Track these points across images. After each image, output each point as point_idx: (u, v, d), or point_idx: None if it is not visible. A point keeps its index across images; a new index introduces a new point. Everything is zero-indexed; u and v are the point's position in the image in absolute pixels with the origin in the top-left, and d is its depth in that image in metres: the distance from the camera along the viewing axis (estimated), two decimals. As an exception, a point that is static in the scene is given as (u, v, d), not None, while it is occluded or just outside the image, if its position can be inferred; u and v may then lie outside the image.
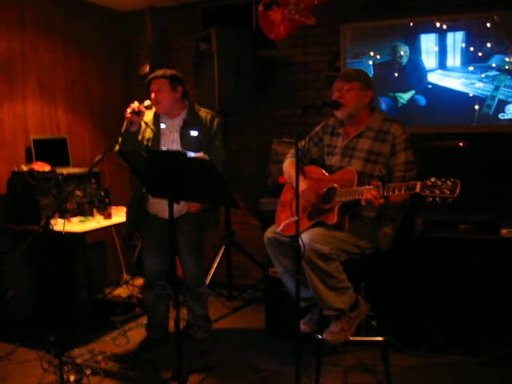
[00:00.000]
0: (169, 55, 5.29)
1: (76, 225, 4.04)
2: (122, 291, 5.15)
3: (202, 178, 2.80)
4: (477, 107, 4.14)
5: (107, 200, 4.40)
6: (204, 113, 3.68)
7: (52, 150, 4.60)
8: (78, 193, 4.39)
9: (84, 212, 4.33)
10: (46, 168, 4.19)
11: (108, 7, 5.27)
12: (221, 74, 4.35)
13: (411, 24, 4.24)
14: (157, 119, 3.59)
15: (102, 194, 4.46)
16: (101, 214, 4.33)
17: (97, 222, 4.17)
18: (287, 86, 4.86)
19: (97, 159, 3.25)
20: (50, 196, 4.16)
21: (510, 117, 4.08)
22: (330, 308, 3.07)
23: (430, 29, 4.18)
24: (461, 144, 4.03)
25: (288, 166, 3.41)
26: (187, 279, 3.79)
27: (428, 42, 4.20)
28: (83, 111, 5.12)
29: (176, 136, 3.57)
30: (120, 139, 3.45)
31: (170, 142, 3.57)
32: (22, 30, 4.45)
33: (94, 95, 5.23)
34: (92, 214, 4.33)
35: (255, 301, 4.84)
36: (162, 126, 3.57)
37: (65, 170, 4.35)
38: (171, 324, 4.13)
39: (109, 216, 4.26)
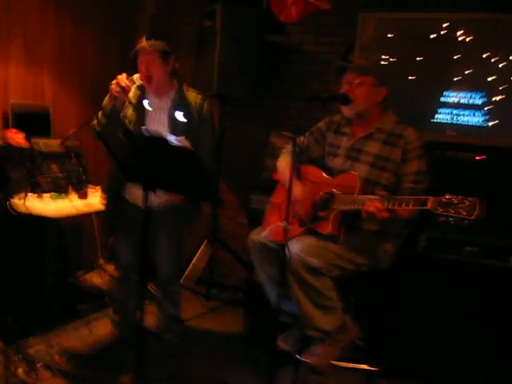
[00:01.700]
0: (170, 30, 4.90)
1: (43, 204, 3.67)
2: (94, 276, 4.80)
3: (183, 167, 2.46)
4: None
5: (84, 177, 4.02)
6: (194, 95, 3.30)
7: (33, 118, 4.22)
8: (54, 167, 4.02)
9: (59, 188, 3.97)
10: (20, 135, 3.81)
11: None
12: (223, 53, 3.98)
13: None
14: (141, 96, 3.21)
15: (80, 170, 4.09)
16: (76, 192, 3.97)
17: (69, 201, 3.81)
18: (295, 75, 4.48)
19: (71, 132, 2.90)
20: (23, 168, 3.79)
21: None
22: (315, 328, 2.74)
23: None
24: (477, 158, 3.67)
25: (282, 163, 3.05)
26: (160, 275, 3.44)
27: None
28: (72, 83, 4.72)
29: (163, 117, 3.20)
30: (100, 114, 3.09)
31: (157, 124, 3.19)
32: (11, -12, 4.06)
33: (85, 68, 4.83)
34: (67, 192, 3.97)
35: (235, 303, 4.49)
36: (146, 104, 3.18)
37: (42, 141, 3.98)
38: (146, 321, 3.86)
39: (84, 195, 3.90)
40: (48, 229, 4.01)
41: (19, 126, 3.96)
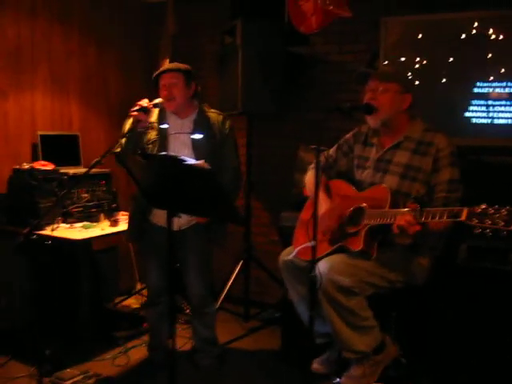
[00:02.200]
0: (192, 49, 4.88)
1: (72, 231, 3.65)
2: (132, 302, 4.77)
3: (202, 188, 2.39)
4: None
5: (114, 205, 4.00)
6: (215, 114, 3.29)
7: (62, 147, 4.25)
8: (85, 195, 4.01)
9: (90, 217, 3.96)
10: (49, 167, 3.82)
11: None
12: (245, 70, 3.90)
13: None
14: (162, 119, 3.17)
15: (111, 197, 4.08)
16: (108, 219, 3.96)
17: (101, 229, 3.78)
18: (320, 86, 4.37)
19: (94, 161, 2.86)
20: (53, 198, 3.79)
21: None
22: (351, 350, 2.61)
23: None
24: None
25: (310, 178, 2.94)
26: (193, 297, 3.39)
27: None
28: (99, 107, 4.75)
29: (186, 139, 3.17)
30: (123, 140, 3.06)
31: (179, 146, 3.16)
32: (33, 17, 4.09)
33: (112, 90, 4.85)
34: (98, 220, 3.96)
35: (273, 322, 4.37)
36: (165, 126, 3.14)
37: (72, 170, 3.98)
38: (179, 343, 3.77)
39: (115, 223, 3.87)
40: (81, 255, 4.02)
41: (48, 157, 3.99)
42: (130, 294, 4.88)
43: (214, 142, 3.18)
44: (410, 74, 3.78)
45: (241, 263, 4.25)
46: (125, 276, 4.93)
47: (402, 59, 3.81)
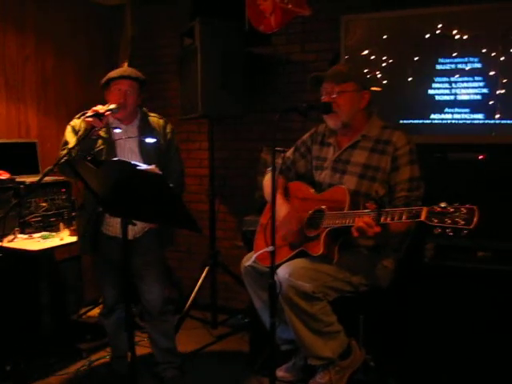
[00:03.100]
0: (153, 52, 4.78)
1: (33, 245, 3.52)
2: (98, 312, 4.62)
3: (155, 194, 2.30)
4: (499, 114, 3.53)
5: (74, 214, 3.87)
6: (156, 119, 3.24)
7: (19, 155, 4.11)
8: (43, 204, 3.88)
9: (49, 226, 3.84)
10: (4, 176, 3.68)
11: (88, 0, 4.76)
12: (205, 72, 3.80)
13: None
14: (108, 126, 3.07)
15: (71, 206, 3.96)
16: (67, 228, 3.83)
17: (60, 239, 3.66)
18: (284, 87, 4.29)
19: (46, 170, 2.74)
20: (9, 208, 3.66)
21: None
22: (316, 356, 2.54)
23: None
24: (480, 157, 3.44)
25: (268, 181, 2.86)
26: (151, 306, 3.28)
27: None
28: (59, 113, 4.60)
29: (133, 146, 3.10)
30: (76, 148, 2.95)
31: (127, 152, 3.08)
32: (-15, 23, 3.96)
33: (71, 96, 4.71)
34: (58, 229, 3.84)
35: (243, 328, 4.28)
36: (118, 130, 3.04)
37: (29, 179, 3.84)
38: (140, 351, 3.69)
39: (75, 232, 3.74)
40: (40, 266, 3.90)
41: (4, 165, 3.85)
42: (95, 305, 4.75)
43: (159, 146, 3.12)
44: (377, 72, 3.74)
45: (206, 269, 4.14)
46: (90, 286, 4.79)
47: (365, 55, 3.74)
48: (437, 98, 3.64)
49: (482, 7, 3.46)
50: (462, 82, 3.58)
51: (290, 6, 3.45)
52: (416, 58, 3.66)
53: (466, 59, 3.55)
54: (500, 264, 3.17)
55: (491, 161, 3.44)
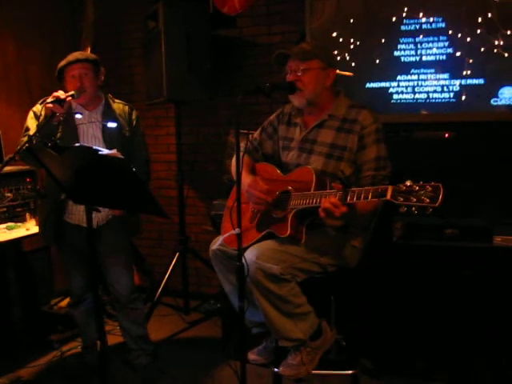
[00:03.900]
0: (116, 37, 4.70)
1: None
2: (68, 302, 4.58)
3: (118, 179, 2.28)
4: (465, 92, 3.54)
5: (39, 203, 3.79)
6: (120, 105, 3.20)
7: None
8: (8, 194, 3.80)
9: (15, 217, 3.77)
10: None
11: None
12: (169, 55, 3.74)
13: None
14: (69, 111, 3.01)
15: (37, 195, 3.88)
16: (34, 218, 3.77)
17: (26, 230, 3.59)
18: (250, 69, 4.25)
19: (7, 158, 2.68)
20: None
21: (504, 102, 3.44)
22: (286, 338, 2.52)
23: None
24: (446, 135, 3.46)
25: (235, 163, 2.82)
26: (119, 294, 3.24)
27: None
28: (22, 103, 4.47)
29: (96, 131, 3.06)
30: (36, 134, 2.88)
31: (91, 138, 3.04)
32: None
33: (34, 85, 4.59)
34: (24, 220, 3.77)
35: (215, 313, 4.27)
36: (79, 116, 2.98)
37: (-9, 169, 3.75)
38: (112, 340, 3.71)
39: (40, 222, 3.68)
40: (7, 257, 3.83)
41: (-35, 156, 3.77)
42: (66, 295, 4.68)
43: (123, 133, 3.09)
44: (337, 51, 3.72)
45: (177, 255, 4.11)
46: (60, 277, 4.72)
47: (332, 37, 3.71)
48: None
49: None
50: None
51: (253, -14, 3.40)
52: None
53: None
54: (468, 241, 3.21)
55: (458, 139, 3.46)
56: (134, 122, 3.17)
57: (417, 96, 3.64)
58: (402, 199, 2.01)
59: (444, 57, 3.54)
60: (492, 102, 3.44)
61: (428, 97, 3.61)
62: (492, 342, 3.09)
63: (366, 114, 2.54)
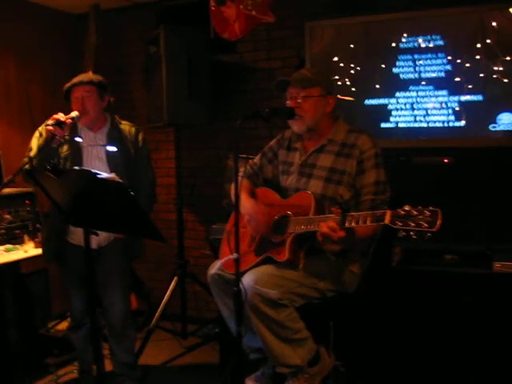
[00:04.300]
0: (118, 61, 4.75)
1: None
2: (67, 325, 4.53)
3: (116, 202, 2.28)
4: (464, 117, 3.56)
5: (38, 226, 3.80)
6: (127, 126, 3.21)
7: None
8: (7, 216, 3.80)
9: (14, 238, 3.76)
10: (-35, 188, 3.59)
11: (53, 8, 4.70)
12: (170, 80, 3.78)
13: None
14: (73, 133, 3.03)
15: (35, 216, 3.88)
16: (32, 240, 3.76)
17: (24, 252, 3.58)
18: (250, 94, 4.29)
19: (6, 180, 2.69)
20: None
21: (503, 128, 3.45)
22: (284, 364, 2.50)
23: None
24: (446, 161, 3.47)
25: (234, 188, 2.83)
26: (114, 319, 3.21)
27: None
28: (23, 124, 4.51)
29: (100, 153, 3.06)
30: (31, 154, 2.92)
31: (94, 160, 3.05)
32: None
33: (36, 106, 4.63)
34: (22, 242, 3.77)
35: (214, 338, 4.22)
36: (79, 139, 3.00)
37: (-10, 191, 3.76)
38: (108, 366, 3.60)
39: (39, 244, 3.67)
40: (5, 279, 3.81)
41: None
42: (63, 318, 4.65)
43: (128, 155, 3.10)
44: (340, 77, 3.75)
45: (175, 279, 4.08)
46: (57, 299, 4.70)
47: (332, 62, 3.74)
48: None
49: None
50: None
51: (253, 12, 3.44)
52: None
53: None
54: (467, 267, 3.20)
55: (457, 164, 3.47)
56: (140, 144, 3.18)
57: (415, 112, 3.66)
58: (400, 224, 2.01)
59: (443, 77, 3.59)
60: (490, 127, 3.46)
61: (427, 113, 3.64)
62: (492, 368, 3.05)
63: (365, 138, 2.55)
